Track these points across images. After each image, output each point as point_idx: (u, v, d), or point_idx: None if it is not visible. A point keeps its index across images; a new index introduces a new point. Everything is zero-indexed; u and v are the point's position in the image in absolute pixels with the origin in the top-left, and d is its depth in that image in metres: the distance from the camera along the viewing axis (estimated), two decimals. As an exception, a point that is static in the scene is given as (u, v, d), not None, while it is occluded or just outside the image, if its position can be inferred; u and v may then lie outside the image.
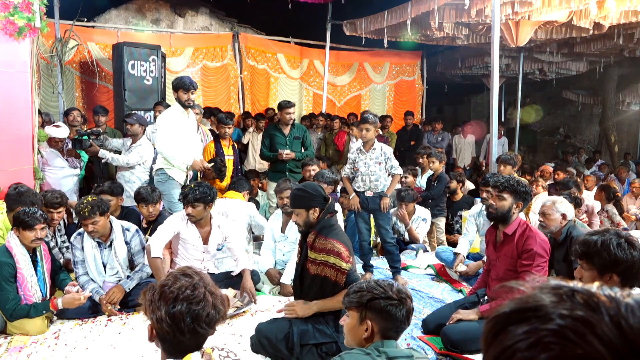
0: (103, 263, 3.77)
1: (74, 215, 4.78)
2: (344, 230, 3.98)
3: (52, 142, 5.21)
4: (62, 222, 4.47)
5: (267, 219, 4.89)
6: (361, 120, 4.42)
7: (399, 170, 4.43)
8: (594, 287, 0.54)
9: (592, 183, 7.18)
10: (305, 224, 2.87)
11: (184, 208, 3.91)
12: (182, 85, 4.55)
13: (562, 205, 3.47)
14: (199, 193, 3.79)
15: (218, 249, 4.13)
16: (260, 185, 6.97)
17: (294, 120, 5.82)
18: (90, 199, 3.64)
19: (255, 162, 7.51)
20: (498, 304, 0.60)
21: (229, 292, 3.78)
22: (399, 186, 6.45)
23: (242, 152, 7.72)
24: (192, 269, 1.63)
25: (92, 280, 3.74)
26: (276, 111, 8.76)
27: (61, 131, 5.21)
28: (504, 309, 0.55)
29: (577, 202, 4.23)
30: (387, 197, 4.34)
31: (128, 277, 3.78)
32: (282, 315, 3.11)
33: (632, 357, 0.47)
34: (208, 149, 5.54)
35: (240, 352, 3.09)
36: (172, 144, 4.56)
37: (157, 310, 1.48)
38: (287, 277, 4.03)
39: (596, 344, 0.48)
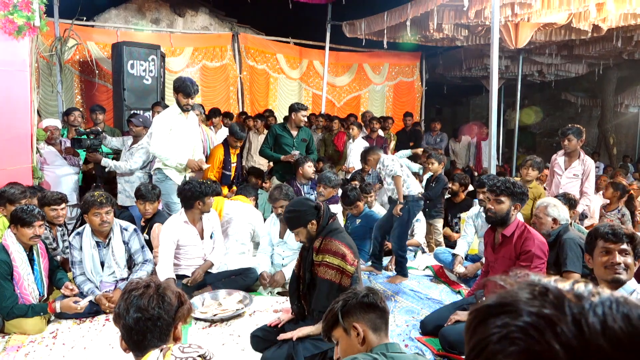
0: (101, 263, 3.77)
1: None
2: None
3: (49, 136, 5.19)
4: (65, 227, 4.46)
5: (267, 217, 4.89)
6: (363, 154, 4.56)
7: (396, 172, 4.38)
8: (568, 284, 0.56)
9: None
10: (309, 238, 2.86)
11: (196, 203, 3.97)
12: (183, 89, 4.50)
13: (555, 210, 3.51)
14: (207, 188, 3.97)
15: (210, 237, 4.18)
16: (262, 185, 6.95)
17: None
18: (99, 192, 3.70)
19: (255, 162, 7.50)
20: None
21: (234, 298, 3.79)
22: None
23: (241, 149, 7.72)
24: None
25: (89, 280, 3.74)
26: (274, 113, 8.81)
27: (53, 120, 5.32)
28: (487, 302, 0.58)
29: (571, 204, 4.22)
30: (398, 202, 4.31)
31: (127, 278, 3.77)
32: (279, 314, 3.11)
33: (587, 356, 0.48)
34: (217, 154, 5.45)
35: (239, 352, 3.09)
36: (165, 145, 4.55)
37: (114, 311, 1.63)
38: (288, 270, 4.06)
39: (553, 342, 0.49)
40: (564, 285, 0.56)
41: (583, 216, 5.14)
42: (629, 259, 2.24)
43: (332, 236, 2.79)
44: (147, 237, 4.30)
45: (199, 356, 1.52)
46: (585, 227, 5.02)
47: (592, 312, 0.51)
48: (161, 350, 1.51)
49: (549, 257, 3.38)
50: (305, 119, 5.74)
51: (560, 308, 0.52)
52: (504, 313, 0.54)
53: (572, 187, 4.88)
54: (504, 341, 0.52)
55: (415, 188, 4.40)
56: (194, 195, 3.93)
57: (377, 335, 1.88)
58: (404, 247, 4.48)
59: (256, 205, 5.48)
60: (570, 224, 4.23)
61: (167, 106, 5.38)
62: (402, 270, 4.46)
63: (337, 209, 4.66)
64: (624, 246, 2.24)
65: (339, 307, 1.90)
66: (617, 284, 2.25)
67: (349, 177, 6.64)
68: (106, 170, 5.30)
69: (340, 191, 5.28)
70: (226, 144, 5.52)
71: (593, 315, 0.50)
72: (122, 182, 5.33)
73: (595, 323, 0.50)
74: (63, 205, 4.16)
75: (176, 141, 4.60)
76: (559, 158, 5.13)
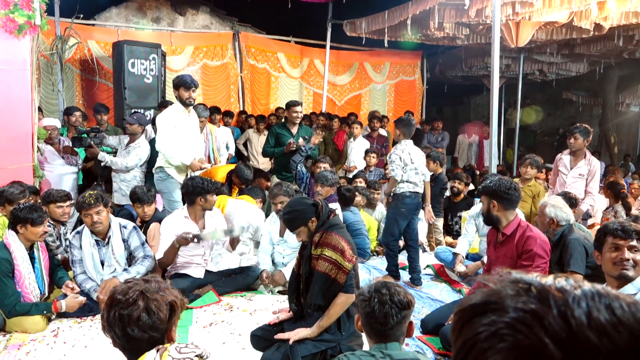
0: (101, 261, 3.76)
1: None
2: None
3: (48, 135, 5.18)
4: (67, 225, 4.46)
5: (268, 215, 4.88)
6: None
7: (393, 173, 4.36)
8: (550, 279, 0.57)
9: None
10: (310, 235, 2.84)
11: (198, 199, 3.97)
12: (183, 83, 4.54)
13: (552, 210, 3.52)
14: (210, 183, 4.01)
15: None
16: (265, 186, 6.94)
17: (302, 119, 5.93)
18: (91, 192, 3.65)
19: (258, 162, 7.51)
20: None
21: (221, 227, 4.01)
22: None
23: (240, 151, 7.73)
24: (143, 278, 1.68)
25: (90, 278, 3.73)
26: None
27: (52, 120, 5.33)
28: (471, 301, 0.58)
29: (572, 203, 4.21)
30: (389, 196, 4.35)
31: (125, 269, 3.75)
32: (278, 314, 3.10)
33: (575, 348, 0.49)
34: (222, 172, 5.29)
35: (239, 351, 3.09)
36: (171, 142, 4.56)
37: (102, 319, 1.59)
38: (288, 270, 4.05)
39: (542, 335, 0.50)
40: (546, 280, 0.57)
41: (587, 215, 5.14)
42: (638, 256, 2.27)
43: (332, 230, 2.78)
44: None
45: (196, 356, 1.52)
46: (588, 227, 5.03)
47: (577, 305, 0.52)
48: (157, 351, 1.51)
49: (552, 256, 3.39)
50: (300, 114, 5.80)
51: (545, 302, 0.53)
52: (489, 311, 0.55)
53: (578, 186, 4.88)
54: (493, 338, 0.53)
55: (405, 186, 4.33)
56: (196, 190, 3.93)
57: (371, 339, 2.00)
58: (390, 243, 4.43)
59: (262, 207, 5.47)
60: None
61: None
62: (394, 272, 4.44)
63: (335, 207, 4.65)
64: (633, 242, 2.28)
65: (357, 294, 2.06)
66: (624, 280, 2.26)
67: (351, 176, 6.65)
68: (102, 164, 5.28)
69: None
70: (229, 181, 5.27)
71: (578, 308, 0.52)
72: (118, 180, 5.32)
73: (581, 315, 0.51)
74: (68, 202, 4.16)
75: (180, 138, 4.61)
76: (564, 157, 5.11)
